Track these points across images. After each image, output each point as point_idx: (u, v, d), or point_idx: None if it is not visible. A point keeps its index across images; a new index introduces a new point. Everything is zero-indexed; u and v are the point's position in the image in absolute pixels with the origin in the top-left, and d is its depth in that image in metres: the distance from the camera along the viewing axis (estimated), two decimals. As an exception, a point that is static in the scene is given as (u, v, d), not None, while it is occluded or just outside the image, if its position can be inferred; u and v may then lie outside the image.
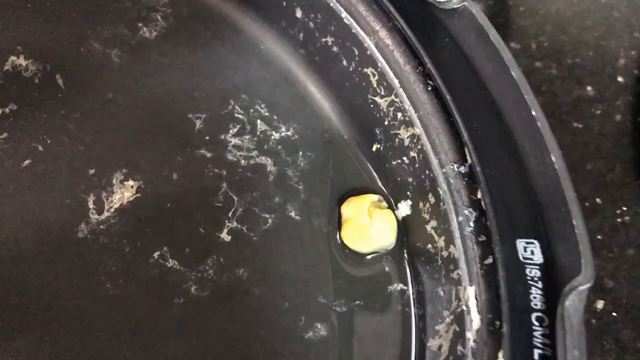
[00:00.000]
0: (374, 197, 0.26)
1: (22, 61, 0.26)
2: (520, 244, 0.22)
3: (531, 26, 0.33)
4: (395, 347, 0.24)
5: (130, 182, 0.25)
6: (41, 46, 0.27)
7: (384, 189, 0.27)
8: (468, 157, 0.23)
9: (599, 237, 0.28)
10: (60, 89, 0.26)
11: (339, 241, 0.26)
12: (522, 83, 0.23)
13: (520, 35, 0.33)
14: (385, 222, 0.25)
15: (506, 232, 0.22)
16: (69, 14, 0.28)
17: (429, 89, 0.25)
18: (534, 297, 0.21)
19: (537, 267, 0.21)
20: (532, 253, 0.22)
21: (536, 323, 0.20)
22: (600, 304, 0.26)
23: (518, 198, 0.22)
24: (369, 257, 0.25)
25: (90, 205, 0.24)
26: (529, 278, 0.21)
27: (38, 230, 0.24)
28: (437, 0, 0.24)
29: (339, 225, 0.26)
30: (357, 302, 0.25)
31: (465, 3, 0.24)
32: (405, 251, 0.25)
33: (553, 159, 0.22)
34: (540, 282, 0.21)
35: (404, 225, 0.26)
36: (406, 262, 0.25)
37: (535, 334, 0.20)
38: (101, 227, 0.24)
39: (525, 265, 0.21)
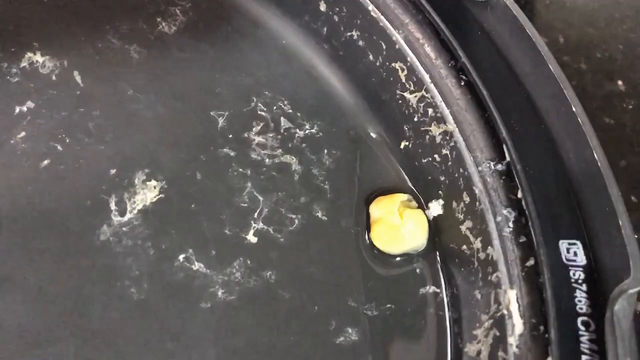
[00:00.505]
0: (404, 197, 0.25)
1: (38, 57, 0.25)
2: (563, 245, 0.21)
3: (558, 20, 0.32)
4: (430, 352, 0.23)
5: (153, 182, 0.24)
6: (58, 42, 0.26)
7: (413, 188, 0.26)
8: (506, 155, 0.22)
9: (635, 236, 0.27)
10: (79, 86, 0.25)
11: (368, 242, 0.25)
12: (560, 77, 0.22)
13: (547, 29, 0.32)
14: (416, 222, 0.24)
15: (547, 232, 0.21)
16: (86, 8, 0.27)
17: (462, 84, 0.24)
18: (579, 301, 0.20)
19: (581, 269, 0.20)
20: (575, 254, 0.21)
21: (582, 328, 0.20)
22: None
23: (559, 197, 0.22)
24: (399, 258, 0.25)
25: (112, 206, 0.23)
26: (572, 280, 0.20)
27: (58, 233, 0.23)
28: (470, -8, 0.23)
29: (367, 226, 0.25)
30: (389, 305, 0.24)
31: (499, -5, 0.23)
32: (437, 252, 0.25)
33: (595, 156, 0.21)
34: (584, 285, 0.20)
35: (435, 226, 0.25)
36: (439, 264, 0.24)
37: (582, 339, 0.19)
38: (124, 229, 0.23)
39: (569, 267, 0.20)
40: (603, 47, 0.31)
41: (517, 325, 0.20)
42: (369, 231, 0.25)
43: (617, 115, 0.30)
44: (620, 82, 0.31)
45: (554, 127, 0.22)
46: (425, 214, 0.25)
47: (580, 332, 0.20)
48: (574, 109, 0.22)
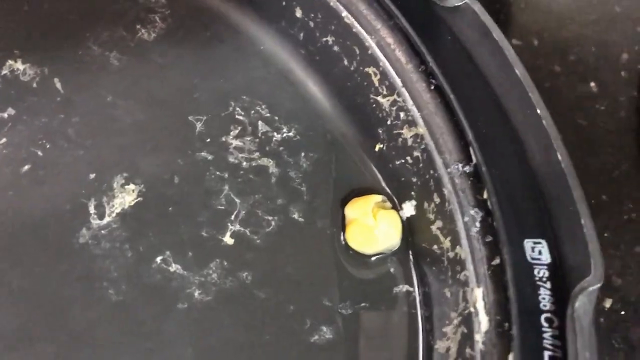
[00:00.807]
0: (378, 198, 0.26)
1: (19, 65, 0.26)
2: (527, 244, 0.21)
3: (533, 22, 0.33)
4: (402, 350, 0.24)
5: (132, 186, 0.25)
6: (39, 49, 0.26)
7: (387, 189, 0.26)
8: (473, 157, 0.23)
9: (605, 234, 0.27)
10: (59, 93, 0.26)
11: (343, 243, 0.25)
12: (526, 81, 0.23)
13: (522, 32, 0.32)
14: (390, 222, 0.25)
15: (513, 232, 0.22)
16: (67, 16, 0.27)
17: (432, 87, 0.25)
18: (543, 298, 0.21)
19: (545, 267, 0.21)
20: (540, 253, 0.21)
21: (545, 324, 0.20)
22: (608, 303, 0.26)
23: (524, 197, 0.22)
24: (373, 258, 0.25)
25: (92, 210, 0.24)
26: (537, 278, 0.21)
27: (39, 237, 0.23)
28: (438, -1, 0.24)
29: (342, 227, 0.26)
30: (363, 304, 0.24)
31: (467, 1, 0.24)
32: (410, 252, 0.25)
33: (559, 157, 0.22)
34: (548, 283, 0.21)
35: (408, 226, 0.25)
36: (411, 263, 0.25)
37: (545, 335, 0.20)
38: (102, 232, 0.24)
39: (534, 266, 0.21)
40: (576, 50, 0.32)
41: (483, 322, 0.21)
42: (344, 232, 0.25)
43: (589, 116, 0.30)
44: (592, 84, 0.31)
45: (520, 130, 0.23)
46: (399, 215, 0.26)
47: (544, 329, 0.20)
48: (538, 111, 0.22)
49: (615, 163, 0.29)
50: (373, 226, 0.25)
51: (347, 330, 0.24)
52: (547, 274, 0.21)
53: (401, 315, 0.24)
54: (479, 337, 0.21)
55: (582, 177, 0.28)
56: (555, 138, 0.22)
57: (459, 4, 0.24)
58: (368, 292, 0.25)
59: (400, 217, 0.25)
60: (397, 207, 0.26)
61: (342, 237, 0.25)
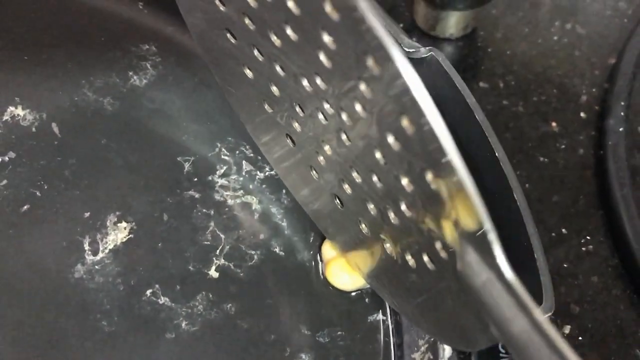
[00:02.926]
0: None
1: (20, 111, 0.28)
2: (487, 276, 0.23)
3: (499, 66, 0.35)
4: (375, 375, 0.25)
5: (124, 224, 0.26)
6: (38, 96, 0.28)
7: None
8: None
9: (565, 265, 0.29)
10: (56, 137, 0.28)
11: (322, 276, 0.27)
12: (485, 126, 0.25)
13: (488, 75, 0.35)
14: None
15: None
16: (64, 64, 0.29)
17: (402, 131, 0.27)
18: (501, 326, 0.22)
19: (503, 297, 0.23)
20: (499, 284, 0.23)
21: (502, 350, 0.22)
22: (567, 329, 0.28)
23: (485, 233, 0.24)
24: (353, 293, 0.27)
25: (86, 246, 0.26)
26: (496, 308, 0.23)
27: (37, 272, 0.25)
28: (406, 50, 0.26)
29: (321, 259, 0.28)
30: (340, 332, 0.26)
31: (432, 53, 0.26)
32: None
33: (515, 195, 0.24)
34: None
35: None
36: (384, 294, 0.27)
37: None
38: (96, 267, 0.25)
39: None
40: (539, 91, 0.35)
41: (447, 349, 0.23)
42: (323, 267, 0.27)
43: (550, 154, 0.32)
44: (554, 124, 0.34)
45: (481, 169, 0.25)
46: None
47: (501, 354, 0.22)
48: (497, 154, 0.24)
49: (574, 198, 0.31)
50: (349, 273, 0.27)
51: (324, 357, 0.26)
52: (505, 303, 0.23)
53: (375, 343, 0.26)
54: (443, 363, 0.23)
55: (543, 211, 0.31)
56: (513, 179, 0.24)
57: (426, 55, 0.26)
58: (344, 321, 0.27)
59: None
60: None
61: (320, 270, 0.27)
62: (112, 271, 0.25)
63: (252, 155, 0.29)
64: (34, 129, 0.28)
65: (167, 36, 0.31)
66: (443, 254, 0.18)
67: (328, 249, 0.27)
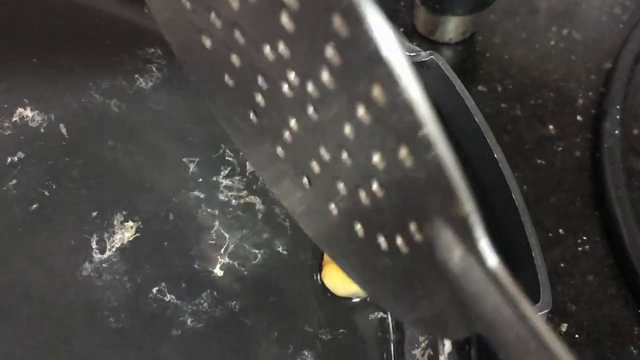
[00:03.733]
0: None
1: (28, 112, 0.28)
2: (486, 274, 0.24)
3: (497, 70, 0.36)
4: (376, 371, 0.26)
5: (130, 223, 0.27)
6: (46, 98, 0.29)
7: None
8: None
9: (562, 265, 0.30)
10: (64, 138, 0.28)
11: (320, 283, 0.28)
12: (485, 128, 0.26)
13: (487, 79, 0.36)
14: None
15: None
16: (71, 67, 0.30)
17: (402, 133, 0.27)
18: (499, 322, 0.23)
19: (502, 294, 0.24)
20: (497, 282, 0.24)
21: (501, 345, 0.23)
22: (564, 327, 0.28)
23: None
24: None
25: (94, 245, 0.26)
26: (494, 305, 0.23)
27: (45, 269, 0.26)
28: (407, 54, 0.27)
29: (321, 261, 0.28)
30: (341, 330, 0.27)
31: (432, 56, 0.27)
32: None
33: (514, 196, 0.24)
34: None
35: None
36: (385, 292, 0.27)
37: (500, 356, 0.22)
38: (104, 265, 0.26)
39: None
40: (537, 95, 0.35)
41: (447, 345, 0.23)
42: (320, 270, 0.28)
43: (547, 156, 0.33)
44: (551, 127, 0.34)
45: (480, 171, 0.26)
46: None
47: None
48: (496, 155, 0.25)
49: (570, 199, 0.32)
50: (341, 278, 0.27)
51: (326, 354, 0.26)
52: (503, 301, 0.23)
53: (376, 340, 0.27)
54: (443, 359, 0.23)
55: (540, 212, 0.31)
56: (510, 179, 0.25)
57: (426, 59, 0.27)
58: (346, 318, 0.27)
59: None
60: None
61: (319, 278, 0.28)
62: (119, 269, 0.26)
63: (255, 156, 0.30)
64: (42, 130, 0.28)
65: (172, 40, 0.32)
66: (417, 237, 0.16)
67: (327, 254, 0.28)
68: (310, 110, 0.18)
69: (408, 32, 0.37)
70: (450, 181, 0.13)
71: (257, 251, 0.28)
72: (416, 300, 0.19)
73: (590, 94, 0.35)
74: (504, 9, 0.38)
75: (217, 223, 0.28)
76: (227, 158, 0.30)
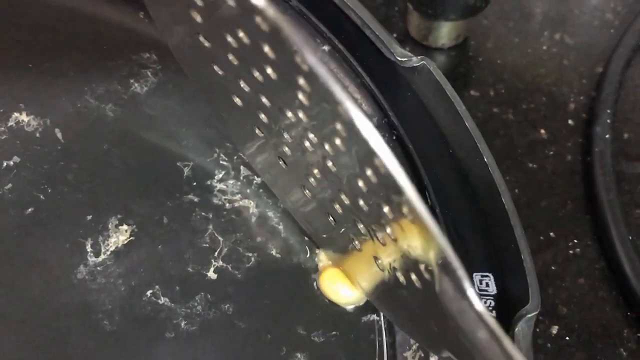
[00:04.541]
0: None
1: (24, 117, 0.29)
2: (476, 277, 0.24)
3: (489, 75, 0.36)
4: (368, 373, 0.26)
5: (125, 227, 0.27)
6: (42, 103, 0.29)
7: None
8: (428, 199, 0.26)
9: (553, 267, 0.30)
10: (60, 142, 0.28)
11: (317, 280, 0.28)
12: (475, 133, 0.26)
13: (479, 84, 0.36)
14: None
15: (464, 266, 0.25)
16: (67, 72, 0.30)
17: (394, 138, 0.28)
18: (489, 325, 0.23)
19: (492, 297, 0.24)
20: (487, 285, 0.24)
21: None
22: (554, 330, 0.29)
23: (474, 236, 0.25)
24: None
25: (88, 248, 0.26)
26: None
27: (40, 273, 0.26)
28: (399, 59, 0.27)
29: (316, 265, 0.28)
30: (334, 332, 0.27)
31: (424, 62, 0.27)
32: (376, 285, 0.28)
33: (503, 200, 0.25)
34: (494, 312, 0.24)
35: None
36: (377, 295, 0.28)
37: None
38: (98, 268, 0.26)
39: (481, 296, 0.24)
40: (529, 99, 0.36)
41: (437, 347, 0.24)
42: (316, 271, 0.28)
43: (539, 160, 0.33)
44: (543, 131, 0.35)
45: (471, 176, 0.26)
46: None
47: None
48: (486, 159, 0.25)
49: (561, 203, 0.32)
50: (344, 287, 0.27)
51: (319, 356, 0.26)
52: (493, 303, 0.24)
53: (368, 342, 0.27)
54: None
55: (531, 216, 0.32)
56: (500, 184, 0.25)
57: (417, 64, 0.27)
58: (338, 321, 0.27)
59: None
60: (365, 244, 0.29)
61: (316, 274, 0.28)
62: (113, 272, 0.26)
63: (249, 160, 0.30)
64: (37, 135, 0.28)
65: (167, 45, 0.32)
66: (427, 275, 0.19)
67: (324, 258, 0.28)
68: (329, 164, 0.21)
69: (401, 37, 0.37)
70: (439, 245, 0.16)
71: (251, 254, 0.28)
72: (432, 329, 0.21)
73: (581, 98, 0.36)
74: (497, 14, 0.39)
75: (211, 226, 0.28)
76: (221, 162, 0.30)
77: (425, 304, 0.20)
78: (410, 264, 0.20)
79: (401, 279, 0.21)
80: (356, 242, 0.24)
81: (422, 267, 0.19)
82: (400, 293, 0.22)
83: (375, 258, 0.23)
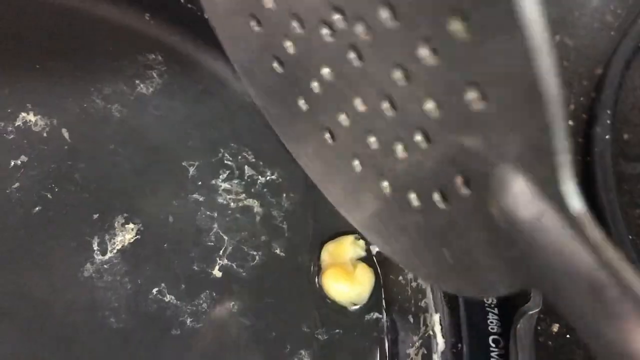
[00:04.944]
0: (350, 238, 0.29)
1: (31, 117, 0.29)
2: (478, 275, 0.25)
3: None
4: (371, 370, 0.27)
5: (131, 225, 0.28)
6: (49, 103, 0.29)
7: (359, 227, 0.30)
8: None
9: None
10: (66, 142, 0.29)
11: (318, 286, 0.28)
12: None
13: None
14: (364, 282, 0.28)
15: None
16: (73, 73, 0.31)
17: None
18: (491, 322, 0.24)
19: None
20: (489, 283, 0.24)
21: (493, 345, 0.23)
22: (555, 328, 0.29)
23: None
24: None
25: (95, 247, 0.27)
26: (486, 305, 0.24)
27: (47, 271, 0.26)
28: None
29: (319, 265, 0.29)
30: (337, 330, 0.27)
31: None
32: (382, 283, 0.28)
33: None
34: (496, 309, 0.24)
35: (378, 258, 0.29)
36: (382, 293, 0.28)
37: (492, 354, 0.23)
38: (105, 266, 0.27)
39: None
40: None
41: (440, 344, 0.24)
42: (319, 275, 0.28)
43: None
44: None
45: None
46: (370, 249, 0.29)
47: (492, 348, 0.23)
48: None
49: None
50: (347, 286, 0.28)
51: (323, 353, 0.27)
52: (495, 301, 0.24)
53: (371, 340, 0.27)
54: (436, 357, 0.24)
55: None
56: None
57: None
58: (342, 319, 0.28)
59: (370, 251, 0.29)
60: (369, 243, 0.29)
61: (318, 275, 0.28)
62: (119, 270, 0.27)
63: (253, 160, 0.31)
64: (45, 134, 0.29)
65: (172, 46, 0.32)
66: (464, 191, 0.14)
67: (327, 255, 0.28)
68: (352, 55, 0.16)
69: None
70: (546, 115, 0.11)
71: (255, 253, 0.28)
72: (445, 255, 0.17)
73: (581, 99, 0.36)
74: (497, 16, 0.39)
75: (215, 225, 0.29)
76: (226, 162, 0.30)
77: (443, 227, 0.16)
78: (437, 180, 0.15)
79: (414, 203, 0.17)
80: (356, 163, 0.18)
81: (458, 180, 0.14)
82: (407, 219, 0.17)
83: (380, 181, 0.18)
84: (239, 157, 0.30)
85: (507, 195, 0.13)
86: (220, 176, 0.30)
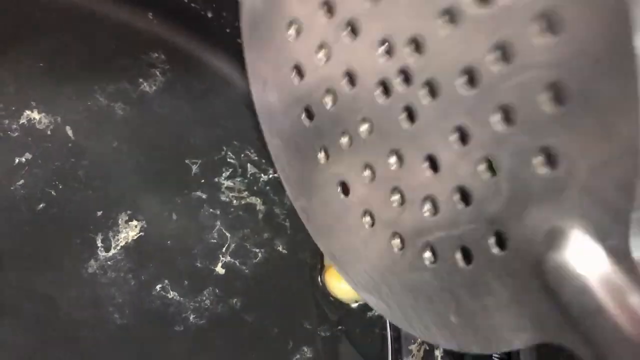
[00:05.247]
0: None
1: (36, 115, 0.29)
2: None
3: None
4: (373, 367, 0.27)
5: (134, 222, 0.28)
6: (53, 101, 0.30)
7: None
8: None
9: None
10: (70, 139, 0.29)
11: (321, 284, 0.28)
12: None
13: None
14: None
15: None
16: (77, 71, 0.31)
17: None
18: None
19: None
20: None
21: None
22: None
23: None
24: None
25: (99, 243, 0.27)
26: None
27: (52, 267, 0.26)
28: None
29: (322, 259, 0.29)
30: (340, 327, 0.27)
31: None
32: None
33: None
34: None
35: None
36: (383, 290, 0.28)
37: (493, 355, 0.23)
38: (109, 263, 0.27)
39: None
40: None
41: (442, 340, 0.24)
42: (321, 273, 0.29)
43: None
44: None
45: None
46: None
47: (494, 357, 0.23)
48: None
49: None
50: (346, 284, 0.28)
51: (325, 350, 0.27)
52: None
53: (374, 336, 0.27)
54: (438, 353, 0.24)
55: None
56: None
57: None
58: (344, 316, 0.28)
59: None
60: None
61: (320, 271, 0.29)
62: (123, 267, 0.27)
63: (256, 158, 0.31)
64: (49, 132, 0.29)
65: (175, 44, 0.33)
66: (494, 250, 0.14)
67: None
68: (403, 116, 0.15)
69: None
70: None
71: (257, 250, 0.29)
72: (450, 316, 0.16)
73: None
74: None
75: (218, 223, 0.29)
76: (228, 160, 0.30)
77: (459, 287, 0.15)
78: (465, 239, 0.14)
79: (428, 261, 0.16)
80: (367, 219, 0.17)
81: (490, 241, 0.14)
82: (413, 278, 0.16)
83: (392, 239, 0.17)
84: (242, 155, 0.31)
85: (557, 261, 0.12)
86: (223, 174, 0.30)
